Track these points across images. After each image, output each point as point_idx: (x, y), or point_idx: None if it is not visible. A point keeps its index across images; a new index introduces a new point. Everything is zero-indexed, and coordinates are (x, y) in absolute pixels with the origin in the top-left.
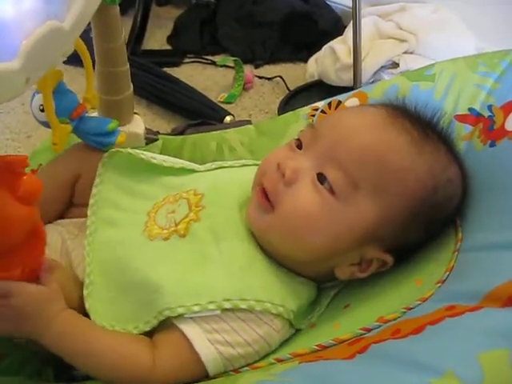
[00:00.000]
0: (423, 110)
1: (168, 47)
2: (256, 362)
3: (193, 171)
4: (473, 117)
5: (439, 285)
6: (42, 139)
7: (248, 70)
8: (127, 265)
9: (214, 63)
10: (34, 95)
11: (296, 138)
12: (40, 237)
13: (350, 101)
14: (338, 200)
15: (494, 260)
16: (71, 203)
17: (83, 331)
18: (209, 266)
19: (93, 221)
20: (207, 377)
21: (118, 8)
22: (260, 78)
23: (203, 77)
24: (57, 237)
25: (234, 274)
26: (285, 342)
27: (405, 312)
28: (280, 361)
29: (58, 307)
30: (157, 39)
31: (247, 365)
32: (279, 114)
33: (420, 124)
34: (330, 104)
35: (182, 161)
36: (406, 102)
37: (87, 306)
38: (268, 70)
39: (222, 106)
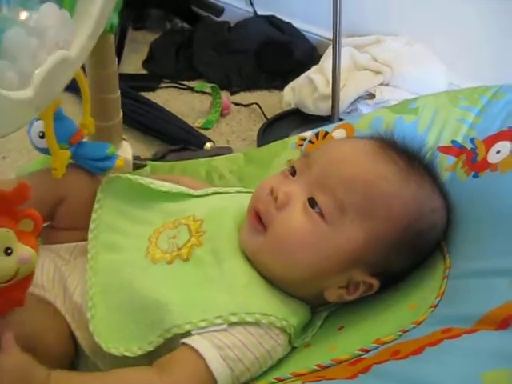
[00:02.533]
0: (410, 143)
1: (143, 71)
2: (256, 379)
3: (190, 196)
4: (456, 149)
5: (432, 309)
6: (17, 160)
7: (224, 96)
8: (131, 286)
9: (190, 88)
10: (32, 122)
11: (289, 166)
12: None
13: (337, 131)
14: (327, 223)
15: (484, 286)
16: (53, 227)
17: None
18: (212, 286)
19: (94, 245)
20: None
21: (113, 36)
22: (236, 104)
23: (179, 102)
24: (49, 262)
25: (237, 291)
26: (282, 361)
27: (401, 335)
28: (280, 380)
29: (41, 373)
30: (132, 63)
31: (250, 381)
32: (258, 141)
33: (406, 155)
34: (317, 134)
35: (177, 186)
36: (393, 135)
37: (91, 328)
38: (244, 96)
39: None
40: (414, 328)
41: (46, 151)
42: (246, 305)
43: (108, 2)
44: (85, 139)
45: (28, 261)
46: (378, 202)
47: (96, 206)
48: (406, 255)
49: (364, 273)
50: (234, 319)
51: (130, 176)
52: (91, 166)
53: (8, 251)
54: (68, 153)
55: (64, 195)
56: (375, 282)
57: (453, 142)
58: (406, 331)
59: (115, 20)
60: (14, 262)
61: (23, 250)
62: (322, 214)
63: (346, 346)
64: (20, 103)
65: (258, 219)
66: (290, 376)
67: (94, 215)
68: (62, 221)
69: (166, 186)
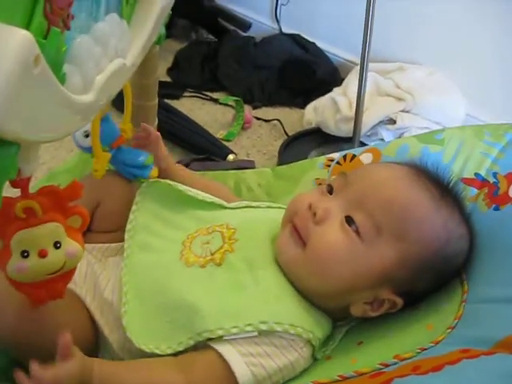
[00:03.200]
0: (442, 173)
1: (168, 79)
2: None
3: (222, 207)
4: (478, 181)
5: (450, 330)
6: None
7: (247, 110)
8: (165, 286)
9: (213, 100)
10: None
11: (326, 184)
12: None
13: (365, 155)
14: (363, 242)
15: (500, 312)
16: (89, 230)
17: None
18: (245, 292)
19: (129, 244)
20: None
21: (158, 47)
22: (258, 119)
23: (202, 112)
24: (82, 260)
25: (269, 300)
26: (304, 372)
27: (419, 352)
28: None
29: (90, 364)
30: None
31: None
32: (280, 157)
33: (439, 184)
34: (345, 156)
35: (211, 196)
36: (427, 165)
37: (124, 322)
38: (266, 112)
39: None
40: (432, 347)
41: (88, 150)
42: (276, 314)
43: (162, 15)
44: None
45: (75, 255)
46: (412, 225)
47: (134, 207)
48: (431, 278)
49: (390, 291)
50: (263, 327)
51: (169, 181)
52: (126, 172)
53: (57, 245)
54: (109, 155)
55: (100, 199)
56: (399, 301)
57: (476, 174)
58: (425, 349)
59: (163, 31)
60: (62, 255)
61: (71, 245)
62: (358, 233)
63: (366, 360)
64: (82, 106)
65: (296, 232)
66: None
67: (131, 216)
68: (97, 224)
69: (201, 194)
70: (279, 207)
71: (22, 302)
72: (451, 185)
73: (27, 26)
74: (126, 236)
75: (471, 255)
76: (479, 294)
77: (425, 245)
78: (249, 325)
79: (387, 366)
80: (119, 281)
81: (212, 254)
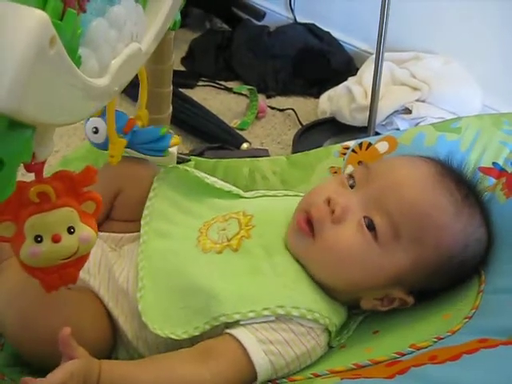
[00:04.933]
0: (466, 172)
1: (182, 68)
2: (293, 374)
3: (239, 196)
4: (496, 171)
5: (466, 320)
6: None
7: (261, 99)
8: (181, 272)
9: (227, 89)
10: (87, 119)
11: (347, 175)
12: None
13: (380, 144)
14: (379, 245)
15: None
16: (108, 217)
17: (133, 375)
18: (262, 278)
19: (146, 231)
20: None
21: (173, 33)
22: (272, 108)
23: (217, 101)
24: (96, 249)
25: (285, 285)
26: (318, 360)
27: (436, 341)
28: (317, 376)
29: (96, 365)
30: None
31: (287, 376)
32: (294, 146)
33: (463, 185)
34: (360, 145)
35: (228, 185)
36: (452, 162)
37: (140, 307)
38: (279, 101)
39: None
40: (448, 336)
41: (100, 146)
42: (293, 299)
43: (177, 0)
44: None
45: (88, 241)
46: (431, 231)
47: (151, 194)
48: (446, 280)
49: (402, 291)
50: (280, 311)
51: (187, 168)
52: (148, 150)
53: (71, 230)
54: (124, 141)
55: (121, 188)
56: (410, 300)
57: (494, 163)
58: (442, 338)
59: (178, 17)
60: (76, 240)
61: (84, 230)
62: (375, 236)
63: (381, 349)
64: (97, 90)
65: (307, 223)
66: (326, 372)
67: (148, 202)
68: (117, 212)
69: (218, 182)
70: (296, 195)
71: (34, 292)
72: (474, 185)
73: (43, 7)
74: (143, 222)
75: (488, 257)
76: (497, 285)
77: (441, 251)
78: (266, 309)
79: (403, 355)
80: (135, 267)
81: (228, 240)
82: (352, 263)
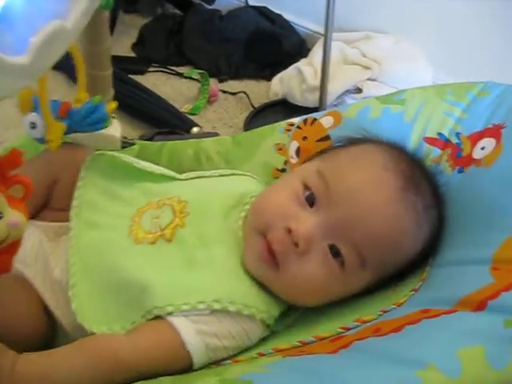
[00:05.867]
0: (419, 155)
1: (132, 54)
2: (237, 355)
3: (173, 178)
4: (441, 141)
5: (413, 293)
6: None
7: (213, 83)
8: (113, 266)
9: (178, 74)
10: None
11: (306, 191)
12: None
13: (325, 118)
14: (345, 273)
15: (465, 272)
16: (45, 206)
17: (47, 365)
18: (197, 269)
19: (76, 223)
20: (191, 369)
21: (107, 13)
22: (224, 92)
23: (167, 86)
24: (34, 239)
25: (223, 277)
26: (264, 340)
27: (381, 314)
28: (262, 355)
29: (6, 360)
30: (121, 46)
31: (228, 358)
32: (245, 129)
33: (423, 191)
34: (305, 120)
35: (161, 168)
36: (406, 148)
37: (73, 307)
38: (232, 85)
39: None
40: (394, 309)
41: (41, 141)
42: (229, 293)
43: None
44: None
45: (18, 225)
46: (398, 255)
47: (79, 183)
48: (402, 270)
49: None
50: (216, 306)
51: (114, 153)
52: (88, 125)
53: None
54: (63, 124)
55: (59, 175)
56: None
57: (439, 134)
58: (387, 311)
59: None
60: (4, 226)
61: (13, 215)
62: (342, 263)
63: (327, 326)
64: (15, 68)
65: (270, 254)
66: (271, 351)
67: (76, 193)
68: (55, 200)
69: (150, 166)
70: (232, 174)
71: None
72: (430, 173)
73: None
74: (72, 214)
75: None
76: (446, 257)
77: (402, 262)
78: (201, 302)
79: (348, 329)
80: (66, 262)
81: (162, 230)
82: (317, 292)
